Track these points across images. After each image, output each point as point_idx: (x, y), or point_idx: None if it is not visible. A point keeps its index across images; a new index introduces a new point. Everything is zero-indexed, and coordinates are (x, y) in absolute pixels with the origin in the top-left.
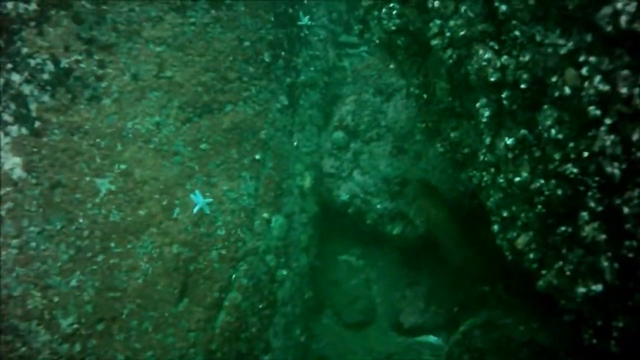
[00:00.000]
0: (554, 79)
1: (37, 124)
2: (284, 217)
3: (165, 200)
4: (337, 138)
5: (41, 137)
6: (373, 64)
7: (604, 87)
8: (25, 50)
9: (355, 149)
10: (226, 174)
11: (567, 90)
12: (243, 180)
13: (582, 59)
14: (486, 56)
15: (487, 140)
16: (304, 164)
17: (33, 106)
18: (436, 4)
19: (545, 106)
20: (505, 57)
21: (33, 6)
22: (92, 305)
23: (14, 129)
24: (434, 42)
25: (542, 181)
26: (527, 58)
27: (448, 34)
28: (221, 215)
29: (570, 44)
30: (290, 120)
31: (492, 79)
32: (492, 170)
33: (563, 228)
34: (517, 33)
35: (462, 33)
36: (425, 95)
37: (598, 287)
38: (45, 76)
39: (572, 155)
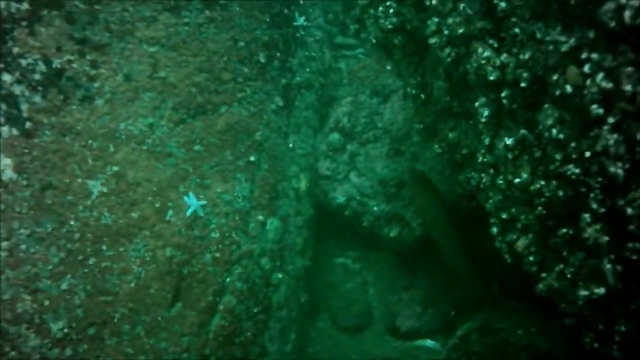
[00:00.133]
0: (555, 77)
1: (28, 124)
2: (279, 220)
3: (159, 202)
4: (333, 140)
5: (32, 138)
6: (369, 65)
7: (607, 85)
8: (16, 50)
9: (352, 151)
10: (220, 176)
11: (569, 88)
12: (238, 182)
13: (584, 56)
14: (485, 54)
15: (486, 141)
16: (300, 166)
17: (24, 107)
18: (434, 1)
19: (546, 105)
20: (504, 55)
21: (25, 6)
22: (83, 309)
23: (4, 130)
24: (432, 40)
25: (543, 182)
26: (527, 56)
27: (446, 32)
28: (215, 217)
29: (572, 41)
30: (286, 121)
31: (492, 78)
32: (491, 171)
33: (564, 230)
34: (517, 30)
35: (460, 31)
36: (422, 95)
37: (601, 290)
38: (37, 76)
39: (574, 156)
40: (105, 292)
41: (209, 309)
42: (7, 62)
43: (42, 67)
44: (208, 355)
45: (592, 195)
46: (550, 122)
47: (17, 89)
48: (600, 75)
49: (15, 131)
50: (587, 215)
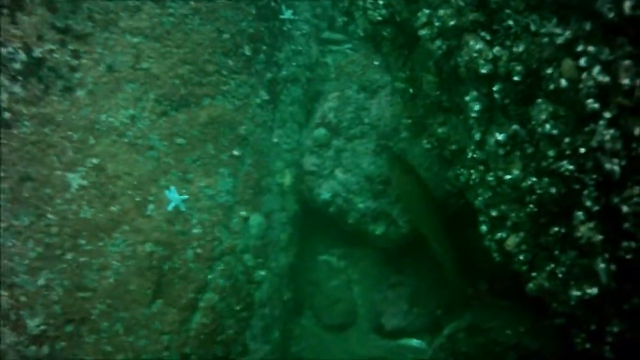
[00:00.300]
0: (549, 71)
1: (6, 115)
2: (262, 216)
3: (139, 196)
4: (319, 135)
5: (11, 128)
6: (357, 60)
7: (604, 79)
8: None
9: (338, 147)
10: (203, 170)
11: (564, 82)
12: (220, 176)
13: (580, 48)
14: (477, 47)
15: (477, 136)
16: (285, 161)
17: (3, 97)
18: None
19: (540, 100)
20: (497, 48)
21: None
22: (61, 305)
23: None
24: (422, 32)
25: (535, 179)
26: (521, 49)
27: (437, 24)
28: (197, 212)
29: (568, 33)
30: (271, 116)
31: (483, 71)
32: (481, 167)
33: (556, 228)
34: (510, 22)
35: (452, 23)
36: (411, 90)
37: (593, 291)
38: (17, 66)
39: (568, 152)
40: (84, 288)
41: (190, 306)
42: None
43: (22, 56)
44: (189, 354)
45: (586, 192)
46: (543, 117)
47: None
48: (596, 69)
49: None
50: (580, 213)
